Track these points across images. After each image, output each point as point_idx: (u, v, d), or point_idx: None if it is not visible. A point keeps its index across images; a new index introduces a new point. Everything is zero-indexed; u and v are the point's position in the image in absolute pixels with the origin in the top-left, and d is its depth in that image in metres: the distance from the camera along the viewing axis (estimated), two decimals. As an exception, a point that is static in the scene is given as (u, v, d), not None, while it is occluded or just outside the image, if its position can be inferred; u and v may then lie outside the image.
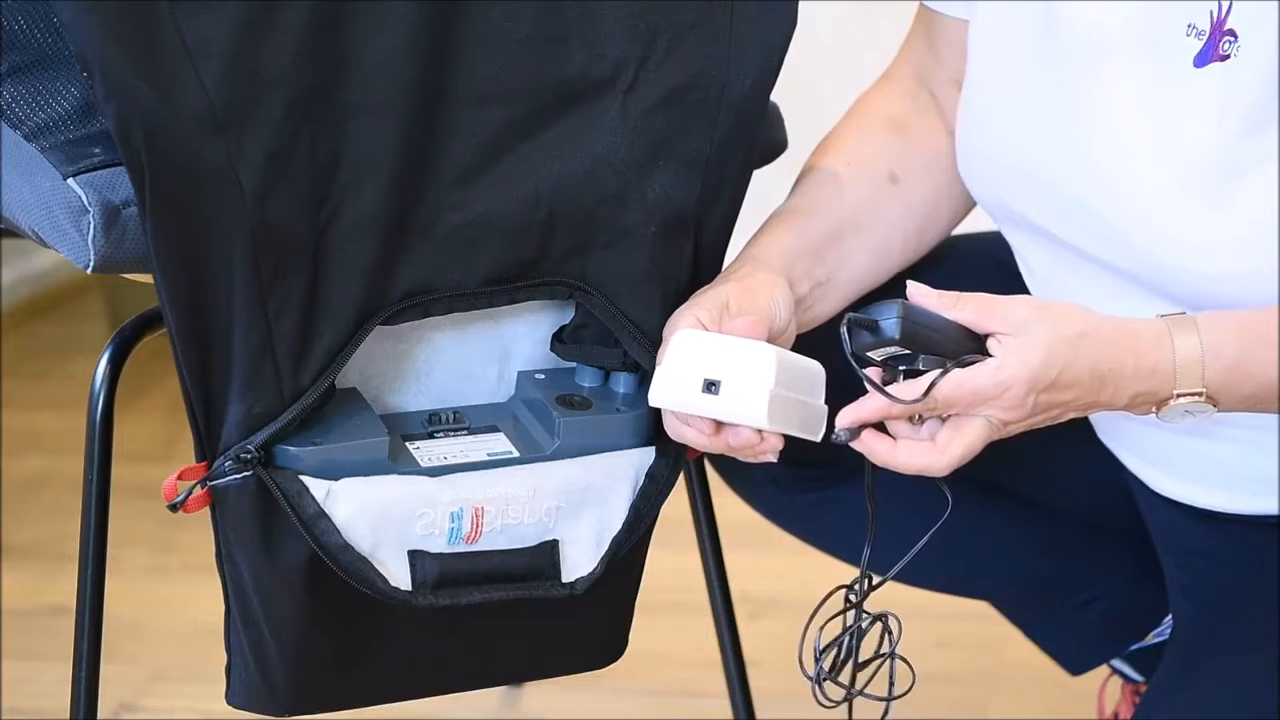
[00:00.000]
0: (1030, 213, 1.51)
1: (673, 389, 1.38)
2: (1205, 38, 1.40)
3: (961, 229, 1.66)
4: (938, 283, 1.62)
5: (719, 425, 1.40)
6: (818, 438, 1.43)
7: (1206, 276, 1.40)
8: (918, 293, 1.37)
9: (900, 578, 1.58)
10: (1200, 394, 1.36)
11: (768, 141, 1.63)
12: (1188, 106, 1.41)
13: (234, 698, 1.48)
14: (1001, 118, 1.52)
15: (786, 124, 1.67)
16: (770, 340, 1.44)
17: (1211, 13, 1.40)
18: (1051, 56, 1.48)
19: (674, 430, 1.43)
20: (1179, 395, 1.37)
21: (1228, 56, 1.39)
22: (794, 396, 1.40)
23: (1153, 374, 1.36)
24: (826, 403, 1.43)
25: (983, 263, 1.62)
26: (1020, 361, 1.34)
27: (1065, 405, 1.37)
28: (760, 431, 1.39)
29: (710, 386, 1.37)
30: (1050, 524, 1.74)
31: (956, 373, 1.34)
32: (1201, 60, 1.40)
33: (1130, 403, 1.38)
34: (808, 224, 1.54)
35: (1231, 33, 1.39)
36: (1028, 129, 1.49)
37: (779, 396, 1.37)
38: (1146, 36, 1.43)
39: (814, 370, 1.44)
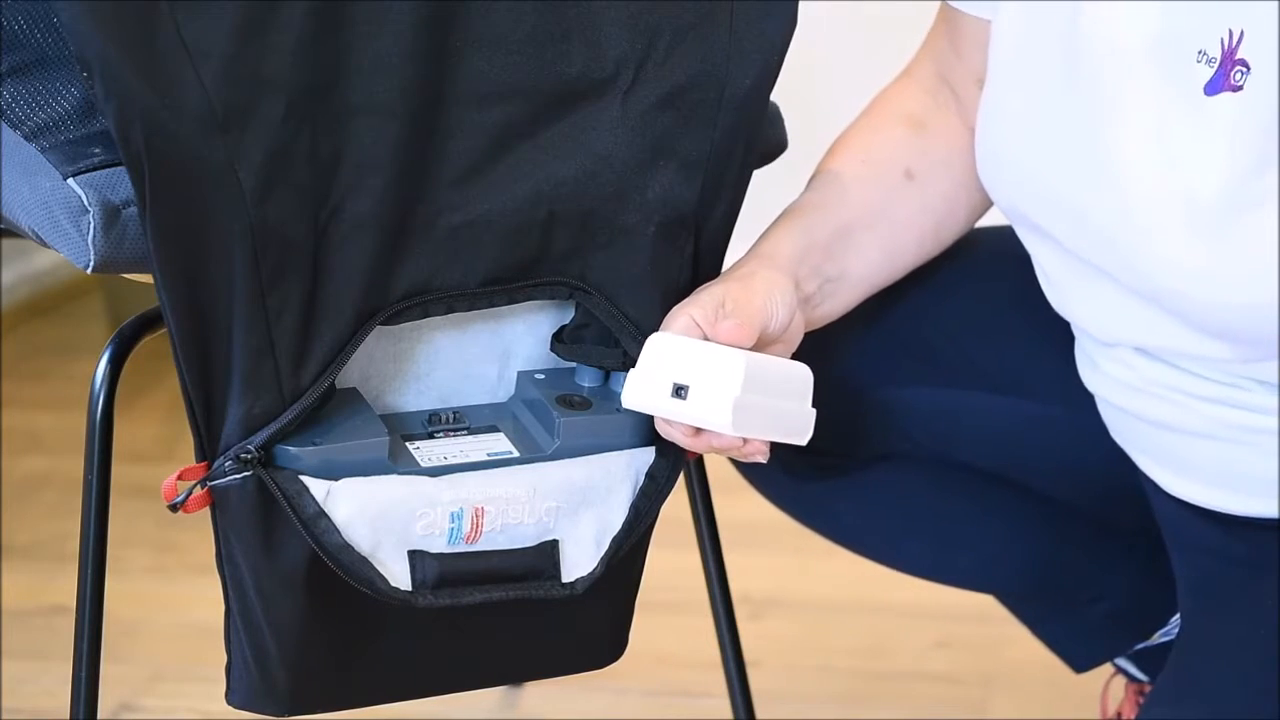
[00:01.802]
0: (1043, 222, 1.50)
1: (643, 392, 1.39)
2: (1216, 65, 1.37)
3: (981, 223, 1.65)
4: (957, 278, 1.61)
5: (698, 428, 1.40)
6: (803, 441, 1.44)
7: (1206, 304, 1.39)
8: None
9: (909, 572, 1.59)
10: None
11: (768, 141, 1.63)
12: (1198, 134, 1.38)
13: (234, 698, 1.48)
14: (1020, 128, 1.50)
15: (786, 124, 1.67)
16: (770, 340, 1.44)
17: (1222, 40, 1.37)
18: (1072, 70, 1.46)
19: (661, 430, 1.44)
20: None
21: (1240, 87, 1.36)
22: (771, 402, 1.40)
23: None
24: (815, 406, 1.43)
25: (1003, 257, 1.61)
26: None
27: None
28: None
29: (679, 391, 1.38)
30: (1060, 520, 1.74)
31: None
32: (1213, 89, 1.37)
33: None
34: (817, 220, 1.53)
35: (1244, 63, 1.36)
36: (1044, 141, 1.48)
37: (748, 403, 1.37)
38: (1162, 60, 1.40)
39: (798, 374, 1.44)
